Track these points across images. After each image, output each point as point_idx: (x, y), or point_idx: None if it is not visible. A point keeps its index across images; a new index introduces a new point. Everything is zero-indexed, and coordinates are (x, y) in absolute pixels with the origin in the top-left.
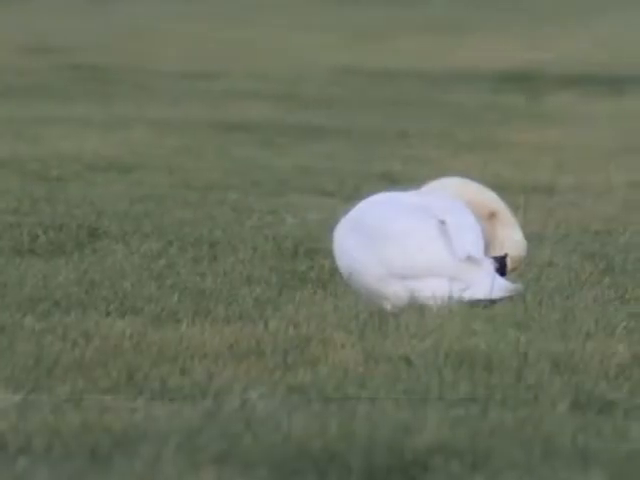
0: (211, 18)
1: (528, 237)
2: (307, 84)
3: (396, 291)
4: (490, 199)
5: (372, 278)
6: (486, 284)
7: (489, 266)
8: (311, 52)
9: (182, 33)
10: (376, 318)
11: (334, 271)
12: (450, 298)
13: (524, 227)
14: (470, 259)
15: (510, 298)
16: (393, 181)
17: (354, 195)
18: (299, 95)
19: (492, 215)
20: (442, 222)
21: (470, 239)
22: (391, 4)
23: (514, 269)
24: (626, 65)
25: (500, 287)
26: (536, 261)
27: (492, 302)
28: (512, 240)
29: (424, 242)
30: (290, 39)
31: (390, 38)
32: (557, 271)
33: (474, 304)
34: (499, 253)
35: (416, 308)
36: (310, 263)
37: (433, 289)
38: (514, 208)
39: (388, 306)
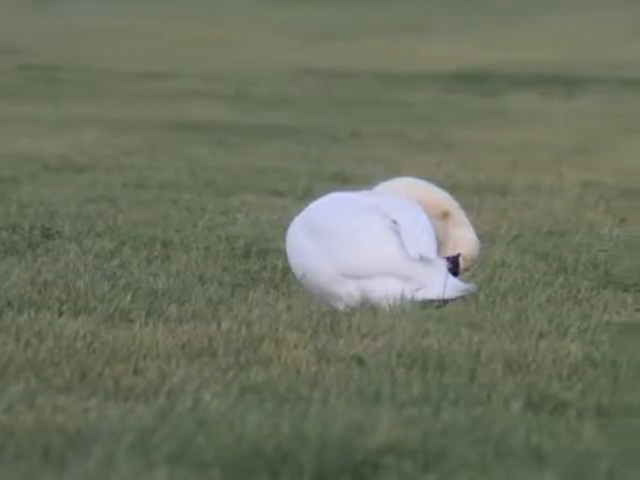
0: (165, 18)
1: (481, 237)
2: (261, 84)
3: (349, 291)
4: (443, 199)
5: (324, 278)
6: (439, 284)
7: (442, 266)
8: (267, 52)
9: (135, 33)
10: (329, 318)
11: (287, 271)
12: (403, 298)
13: (477, 227)
14: (423, 259)
15: (463, 298)
16: (345, 181)
17: (306, 195)
18: (253, 95)
19: (445, 215)
20: (394, 222)
21: (423, 239)
22: (348, 5)
23: (467, 269)
24: (580, 65)
25: (453, 287)
26: (489, 261)
27: (445, 302)
28: (465, 240)
29: (376, 241)
30: (245, 39)
31: (346, 39)
32: (510, 271)
33: (427, 304)
34: (452, 253)
35: (369, 308)
36: (263, 263)
37: (386, 289)
38: (467, 208)
39: (341, 306)
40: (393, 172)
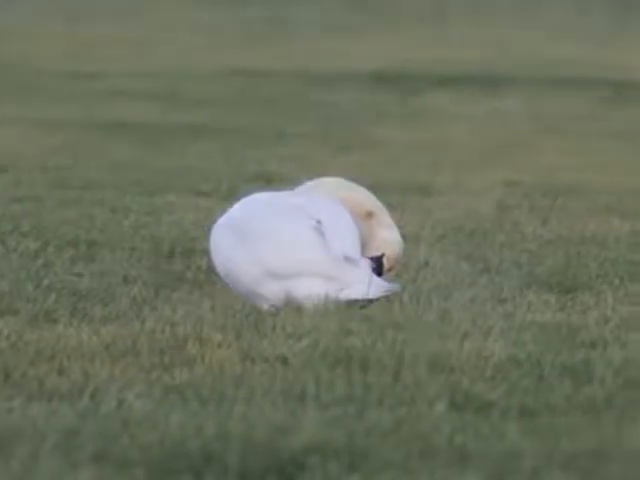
0: (93, 17)
1: (405, 237)
2: (187, 84)
3: (273, 291)
4: (366, 199)
5: (248, 278)
6: (363, 284)
7: (366, 266)
8: (194, 52)
9: (64, 32)
10: (253, 318)
11: (210, 271)
12: (327, 298)
13: (401, 227)
14: (347, 259)
15: (387, 298)
16: (269, 181)
17: (230, 195)
18: (178, 95)
19: (369, 215)
20: (318, 222)
21: (347, 239)
22: (273, 6)
23: (391, 269)
24: (500, 65)
25: (377, 286)
26: (413, 262)
27: (370, 301)
28: (389, 240)
29: (299, 241)
30: (174, 39)
31: (270, 39)
32: (434, 271)
33: (352, 304)
34: (376, 253)
35: (293, 308)
36: (187, 263)
37: (310, 289)
38: (390, 208)
39: (265, 306)
40: (317, 172)
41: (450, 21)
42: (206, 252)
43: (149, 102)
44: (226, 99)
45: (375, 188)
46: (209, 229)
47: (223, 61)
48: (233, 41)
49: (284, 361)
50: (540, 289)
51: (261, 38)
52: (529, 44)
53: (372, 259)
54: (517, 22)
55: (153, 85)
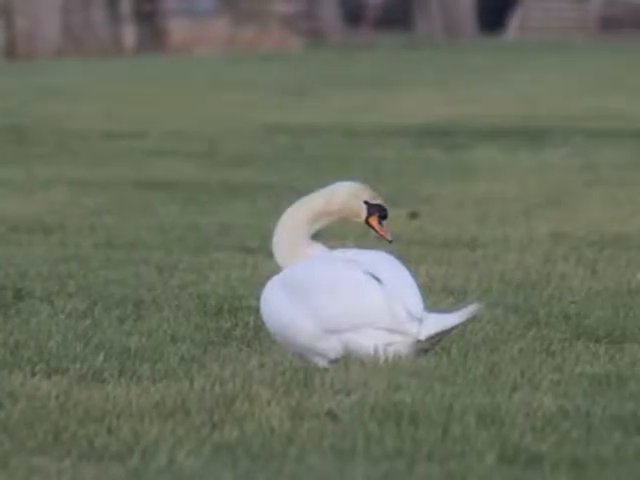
0: (131, 78)
1: (451, 290)
2: (229, 141)
3: (332, 346)
4: None
5: (305, 333)
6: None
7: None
8: (233, 109)
9: (102, 93)
10: (301, 374)
11: (259, 328)
12: (382, 350)
13: (447, 280)
14: (411, 316)
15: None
16: (314, 237)
17: None
18: (221, 152)
19: None
20: (378, 280)
21: (409, 295)
22: (315, 61)
23: None
24: (545, 118)
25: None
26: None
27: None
28: None
29: (358, 292)
30: (210, 98)
31: (314, 95)
32: (482, 324)
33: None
34: None
35: (341, 364)
36: (234, 320)
37: (368, 341)
38: (437, 262)
39: (322, 362)
40: (362, 226)
41: (495, 76)
42: (253, 309)
43: (190, 161)
44: (270, 155)
45: (422, 242)
46: (256, 286)
47: (266, 118)
48: (277, 97)
49: (333, 416)
50: (588, 340)
51: (306, 93)
52: (571, 97)
53: None
54: (558, 77)
55: (193, 143)
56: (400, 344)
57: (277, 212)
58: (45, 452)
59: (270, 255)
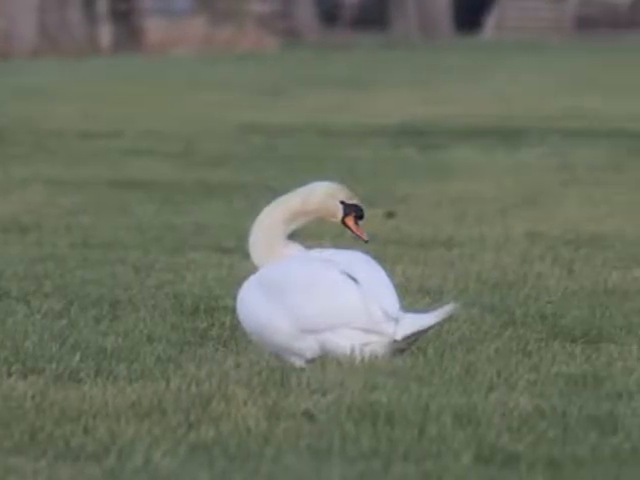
0: (108, 78)
1: (427, 290)
2: (205, 142)
3: (309, 346)
4: None
5: (282, 333)
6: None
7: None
8: (210, 109)
9: (78, 93)
10: (278, 374)
11: (235, 328)
12: (359, 350)
13: (424, 280)
14: (387, 316)
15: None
16: (291, 236)
17: None
18: (197, 152)
19: None
20: (354, 280)
21: (385, 296)
22: (291, 61)
23: None
24: (521, 118)
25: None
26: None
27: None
28: None
29: (334, 289)
30: (185, 98)
31: (290, 95)
32: (458, 324)
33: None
34: None
35: (318, 363)
36: (211, 320)
37: (344, 341)
38: (414, 261)
39: (299, 362)
40: (337, 225)
41: (472, 77)
42: (230, 309)
43: (166, 160)
44: (245, 155)
45: (398, 242)
46: (232, 286)
47: (243, 117)
48: (252, 97)
49: (310, 416)
50: (565, 340)
51: (281, 94)
52: (546, 96)
53: None
54: (535, 76)
55: (170, 143)
56: (376, 344)
57: (253, 212)
58: (21, 452)
59: (246, 255)
